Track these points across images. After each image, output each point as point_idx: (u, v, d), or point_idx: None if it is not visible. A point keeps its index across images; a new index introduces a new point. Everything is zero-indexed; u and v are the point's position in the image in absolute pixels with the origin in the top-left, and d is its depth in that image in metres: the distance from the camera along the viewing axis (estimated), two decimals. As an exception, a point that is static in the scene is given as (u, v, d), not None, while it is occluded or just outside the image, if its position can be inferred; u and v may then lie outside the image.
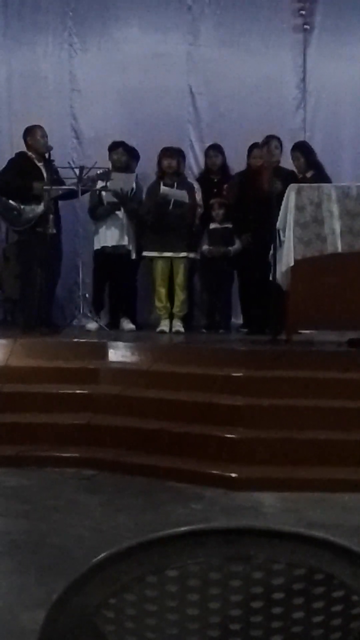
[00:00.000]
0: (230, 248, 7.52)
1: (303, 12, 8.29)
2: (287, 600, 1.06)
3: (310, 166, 7.16)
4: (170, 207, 7.31)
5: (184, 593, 1.06)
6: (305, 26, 8.32)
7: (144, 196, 7.60)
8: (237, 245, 7.49)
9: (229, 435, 5.18)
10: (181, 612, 1.06)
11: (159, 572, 1.06)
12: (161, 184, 7.42)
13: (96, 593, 1.07)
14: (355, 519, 4.31)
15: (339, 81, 8.33)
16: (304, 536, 1.05)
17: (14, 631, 2.91)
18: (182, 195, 7.36)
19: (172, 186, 7.40)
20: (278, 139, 7.32)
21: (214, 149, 7.83)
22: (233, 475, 4.90)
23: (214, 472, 4.94)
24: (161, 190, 7.35)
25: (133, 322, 7.68)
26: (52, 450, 5.35)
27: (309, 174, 7.10)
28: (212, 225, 7.58)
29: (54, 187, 7.01)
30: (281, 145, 7.33)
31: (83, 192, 7.34)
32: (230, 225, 7.54)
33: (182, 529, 1.06)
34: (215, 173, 7.84)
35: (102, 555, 1.06)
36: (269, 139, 7.15)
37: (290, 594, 1.06)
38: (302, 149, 7.29)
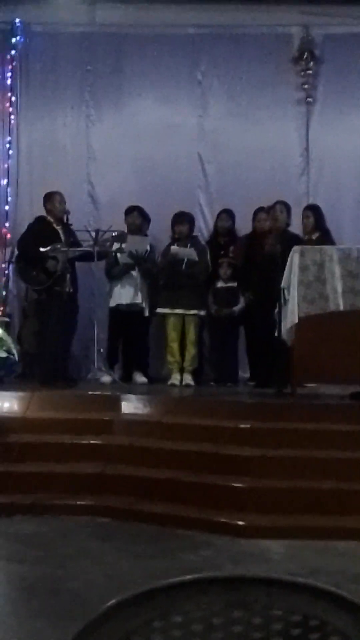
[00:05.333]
0: (234, 308, 7.76)
1: (306, 86, 8.64)
2: None
3: (318, 229, 7.40)
4: (184, 266, 7.60)
5: (189, 637, 1.08)
6: (308, 99, 8.66)
7: (157, 257, 7.90)
8: (241, 304, 7.74)
9: (236, 485, 5.31)
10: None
11: (165, 617, 1.08)
12: (172, 244, 7.73)
13: (107, 636, 1.08)
14: (357, 566, 4.41)
15: (340, 151, 8.62)
16: (300, 584, 1.09)
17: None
18: (192, 253, 7.65)
19: (184, 247, 7.70)
20: (285, 203, 7.60)
21: (226, 213, 8.12)
22: (240, 523, 5.01)
23: (222, 520, 5.05)
24: (171, 250, 7.66)
25: (145, 375, 7.83)
26: (67, 499, 5.47)
27: (314, 236, 7.34)
28: (218, 284, 7.84)
29: (70, 249, 7.30)
30: (288, 209, 7.62)
31: (99, 254, 7.56)
32: (234, 284, 7.80)
33: (187, 577, 1.09)
34: (223, 235, 8.12)
35: (113, 601, 1.08)
36: (275, 204, 7.43)
37: (288, 639, 1.08)
38: (314, 210, 7.53)
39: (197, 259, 7.67)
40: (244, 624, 1.09)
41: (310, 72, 8.66)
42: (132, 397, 6.55)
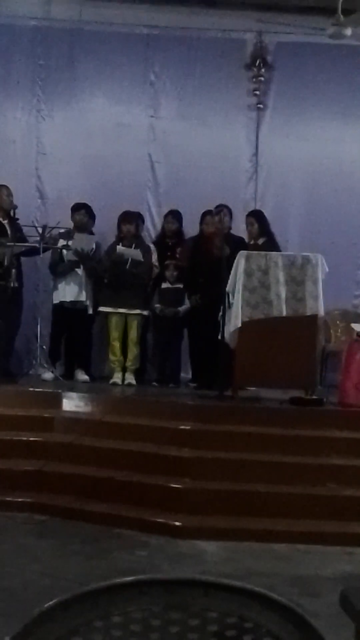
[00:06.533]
0: (180, 308, 7.79)
1: (257, 92, 8.76)
2: None
3: (263, 233, 7.51)
4: (128, 266, 7.61)
5: (128, 637, 1.10)
6: (259, 105, 8.78)
7: (102, 255, 7.88)
8: (187, 305, 7.78)
9: (175, 486, 5.34)
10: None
11: (105, 617, 1.10)
12: (115, 244, 7.73)
13: (46, 637, 1.09)
14: (292, 568, 4.49)
15: (288, 157, 8.76)
16: (235, 587, 1.12)
17: None
18: (137, 254, 7.66)
19: (129, 247, 7.72)
20: (227, 207, 7.69)
21: (172, 215, 8.15)
22: (177, 524, 5.04)
23: (160, 520, 5.08)
24: (117, 250, 7.66)
25: (87, 373, 7.83)
26: (4, 495, 5.41)
27: (260, 241, 7.45)
28: (164, 285, 7.87)
29: (17, 244, 7.25)
30: (230, 213, 7.71)
31: (45, 250, 7.56)
32: (180, 286, 7.84)
33: (128, 578, 1.11)
34: (170, 237, 8.16)
35: (53, 601, 1.09)
36: (220, 207, 7.51)
37: None
38: (257, 217, 7.64)
39: (142, 259, 7.69)
40: (181, 625, 1.11)
41: (262, 78, 8.78)
42: (74, 394, 6.53)
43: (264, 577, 4.25)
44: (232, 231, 7.75)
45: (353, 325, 7.41)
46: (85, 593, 1.10)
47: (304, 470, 5.51)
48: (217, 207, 7.39)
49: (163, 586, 1.12)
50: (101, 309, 7.80)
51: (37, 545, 4.71)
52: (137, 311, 7.73)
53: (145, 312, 7.80)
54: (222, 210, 7.48)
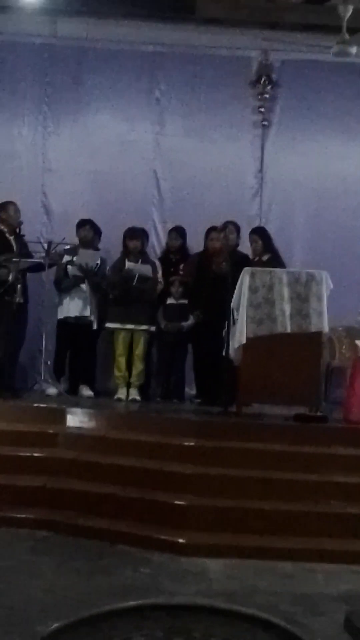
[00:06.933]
0: (184, 324, 7.81)
1: (262, 110, 8.82)
2: None
3: (267, 250, 7.53)
4: (135, 282, 7.63)
5: None
6: (264, 122, 8.83)
7: (107, 271, 7.91)
8: (190, 321, 7.79)
9: (178, 502, 5.30)
10: None
11: None
12: (126, 260, 7.76)
13: None
14: (296, 586, 4.45)
15: (293, 174, 8.80)
16: (239, 613, 1.14)
17: None
18: (146, 270, 7.70)
19: (135, 263, 7.74)
20: (235, 224, 7.74)
21: (176, 232, 8.20)
22: (181, 540, 5.01)
23: (163, 537, 5.04)
24: (126, 266, 7.68)
25: (92, 389, 7.83)
26: (7, 511, 5.39)
27: (264, 257, 7.48)
28: (169, 301, 7.89)
29: (22, 260, 7.28)
30: (237, 230, 7.74)
31: (50, 266, 7.58)
32: (185, 302, 7.85)
33: (130, 603, 1.16)
34: (174, 253, 8.20)
35: (55, 625, 1.11)
36: (227, 224, 7.53)
37: None
38: (260, 234, 7.66)
39: (150, 275, 7.70)
40: (183, 649, 1.11)
41: (267, 95, 8.84)
42: (78, 410, 6.51)
43: (267, 595, 4.22)
44: (238, 248, 7.77)
45: (357, 342, 7.40)
46: (87, 617, 1.12)
47: (308, 487, 5.48)
48: (224, 223, 7.41)
49: (165, 611, 1.14)
50: (108, 325, 7.81)
51: (40, 562, 4.68)
52: (145, 327, 7.74)
53: (152, 328, 7.80)
54: (228, 226, 7.50)
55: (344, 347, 8.24)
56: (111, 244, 8.17)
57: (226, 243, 7.45)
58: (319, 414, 6.47)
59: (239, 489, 5.44)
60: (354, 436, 6.07)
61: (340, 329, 8.29)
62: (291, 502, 5.36)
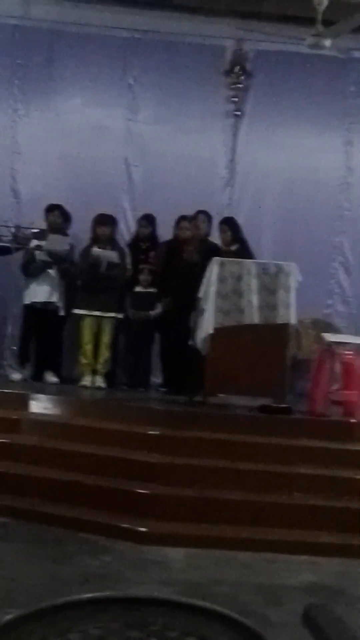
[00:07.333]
0: (151, 312, 7.79)
1: (235, 100, 8.79)
2: None
3: (236, 240, 7.52)
4: (103, 268, 7.58)
5: None
6: (237, 112, 8.80)
7: (76, 257, 7.85)
8: (158, 309, 7.77)
9: (141, 491, 5.31)
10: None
11: (62, 634, 1.10)
12: (90, 247, 7.70)
13: None
14: (257, 577, 4.46)
15: (264, 165, 8.78)
16: (196, 607, 1.12)
17: None
18: (113, 256, 7.65)
19: (104, 249, 7.69)
20: (206, 213, 7.72)
21: (146, 219, 8.14)
22: (143, 529, 5.01)
23: (125, 525, 5.03)
24: (92, 252, 7.64)
25: (57, 375, 7.79)
26: (-32, 497, 5.32)
27: (233, 247, 7.47)
28: (137, 289, 7.86)
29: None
30: (209, 219, 7.72)
31: (17, 250, 7.52)
32: (153, 290, 7.83)
33: (86, 595, 1.11)
34: (144, 240, 8.15)
35: (11, 616, 1.07)
36: (198, 213, 7.51)
37: None
38: (229, 224, 7.65)
39: (118, 261, 7.66)
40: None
41: (240, 85, 8.82)
42: (42, 396, 6.48)
43: (227, 585, 4.23)
44: (209, 238, 7.75)
45: (324, 334, 7.45)
46: (43, 609, 1.09)
47: (271, 478, 5.50)
48: (196, 212, 7.38)
49: (122, 604, 1.12)
50: (75, 311, 7.75)
51: (0, 548, 4.65)
52: (112, 314, 7.71)
53: (119, 315, 7.77)
54: (199, 216, 7.48)
55: (310, 339, 8.29)
56: (81, 230, 8.10)
57: (196, 232, 7.42)
58: (283, 405, 6.48)
59: (203, 479, 5.44)
60: (318, 428, 6.11)
61: (307, 321, 8.34)
62: (254, 492, 5.38)
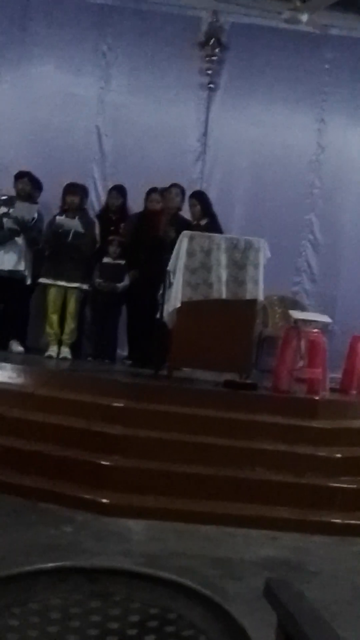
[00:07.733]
0: (118, 285, 7.75)
1: (209, 72, 8.71)
2: (140, 636, 1.11)
3: (205, 215, 7.47)
4: (70, 238, 7.51)
5: (45, 625, 1.08)
6: (210, 85, 8.74)
7: (44, 226, 7.76)
8: (126, 281, 7.73)
9: (104, 462, 5.32)
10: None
11: (23, 604, 1.08)
12: (57, 215, 7.62)
13: None
14: (216, 550, 4.52)
15: (236, 140, 8.74)
16: (159, 578, 1.11)
17: None
18: (77, 225, 7.56)
19: (72, 219, 7.60)
20: (180, 186, 7.66)
21: (116, 190, 8.04)
22: (105, 501, 5.03)
23: (87, 496, 5.06)
24: (56, 220, 7.56)
25: (22, 345, 7.73)
26: None
27: (203, 222, 7.40)
28: (105, 260, 7.80)
29: None
30: (182, 193, 7.67)
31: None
32: (122, 262, 7.76)
33: (49, 565, 1.09)
34: (114, 212, 8.07)
35: None
36: (171, 186, 7.44)
37: (144, 631, 1.10)
38: (199, 198, 7.58)
39: (83, 231, 7.59)
40: (101, 614, 1.10)
41: (215, 58, 8.74)
42: (7, 365, 6.45)
43: (187, 558, 4.26)
44: (181, 212, 7.70)
45: (291, 311, 7.49)
46: (4, 578, 1.08)
47: (233, 453, 5.54)
48: (170, 185, 7.31)
49: (84, 574, 1.10)
50: (41, 280, 7.67)
51: None
52: (77, 284, 7.64)
53: (85, 286, 7.71)
54: (171, 189, 7.42)
55: (277, 316, 8.33)
56: (49, 198, 7.99)
57: (167, 206, 7.37)
58: (248, 381, 6.52)
59: (165, 452, 5.46)
60: (281, 405, 6.15)
61: (275, 297, 8.38)
62: (216, 466, 5.41)
